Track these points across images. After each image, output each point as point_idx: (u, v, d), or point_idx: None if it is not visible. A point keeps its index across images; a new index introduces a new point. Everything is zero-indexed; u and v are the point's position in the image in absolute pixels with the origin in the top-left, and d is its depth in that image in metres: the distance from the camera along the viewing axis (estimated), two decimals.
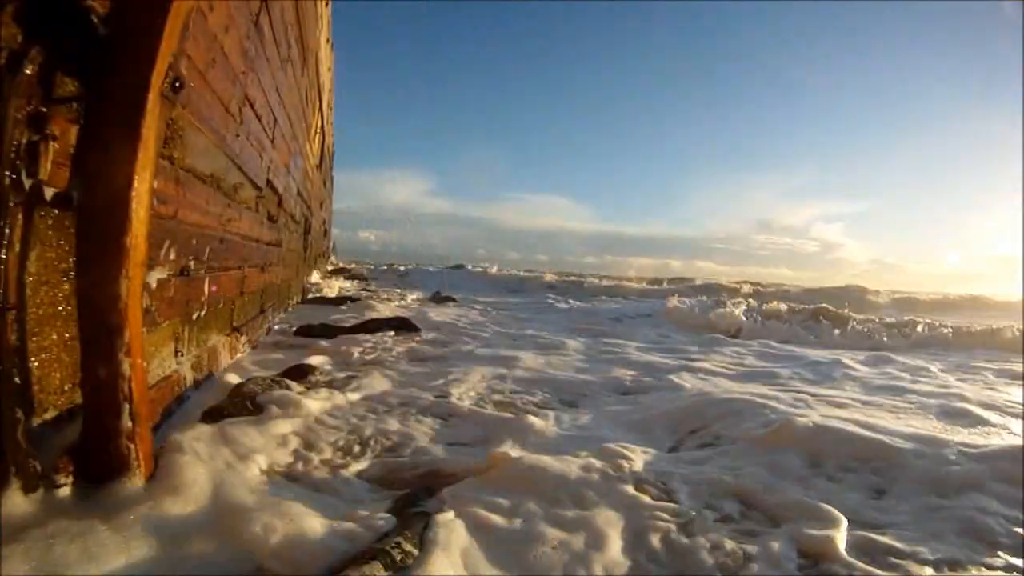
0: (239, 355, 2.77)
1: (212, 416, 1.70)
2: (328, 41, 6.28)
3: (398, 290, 9.26)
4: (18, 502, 0.90)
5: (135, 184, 1.02)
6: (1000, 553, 1.25)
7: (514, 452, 1.60)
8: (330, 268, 12.76)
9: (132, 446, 1.04)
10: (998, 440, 2.02)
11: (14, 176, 0.96)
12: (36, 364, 1.00)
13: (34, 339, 1.00)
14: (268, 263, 3.58)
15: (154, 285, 1.49)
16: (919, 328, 6.46)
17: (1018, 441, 1.97)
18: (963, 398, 2.73)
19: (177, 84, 1.14)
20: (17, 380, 0.93)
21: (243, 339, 2.88)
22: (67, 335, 1.08)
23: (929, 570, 1.16)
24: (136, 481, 1.04)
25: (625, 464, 1.56)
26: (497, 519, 1.22)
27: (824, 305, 7.80)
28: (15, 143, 0.95)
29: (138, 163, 1.01)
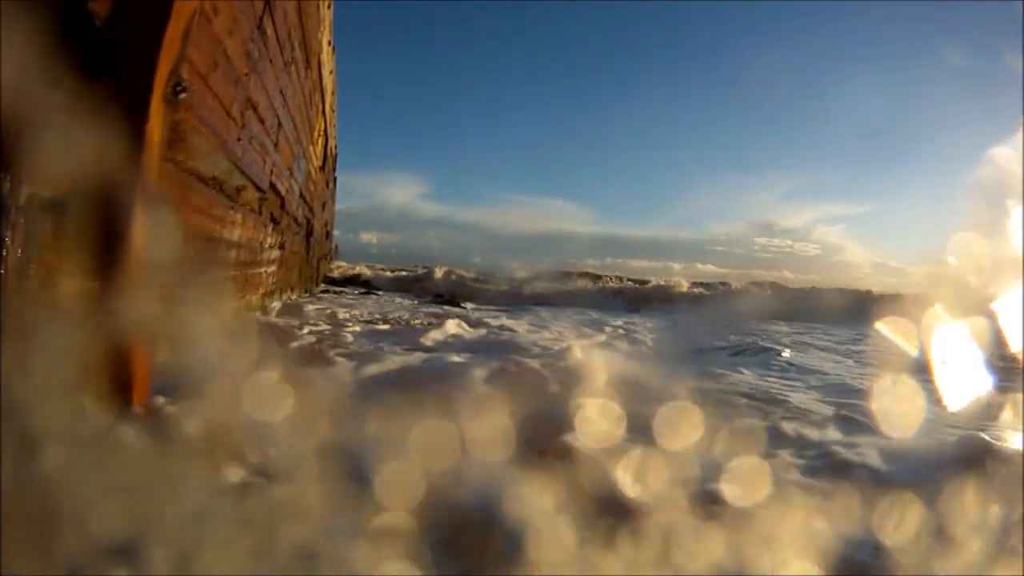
0: None
1: None
2: (330, 43, 6.30)
3: None
4: None
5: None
6: None
7: None
8: (336, 274, 10.50)
9: None
10: None
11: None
12: None
13: None
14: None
15: None
16: None
17: None
18: None
19: (179, 88, 1.13)
20: None
21: None
22: None
23: None
24: None
25: None
26: None
27: None
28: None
29: (143, 166, 1.01)
